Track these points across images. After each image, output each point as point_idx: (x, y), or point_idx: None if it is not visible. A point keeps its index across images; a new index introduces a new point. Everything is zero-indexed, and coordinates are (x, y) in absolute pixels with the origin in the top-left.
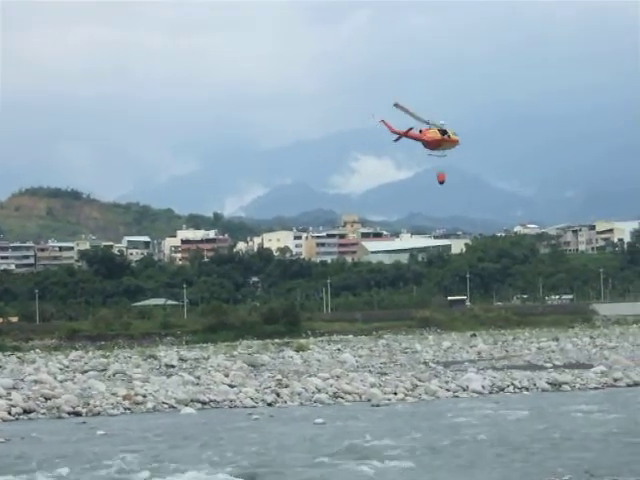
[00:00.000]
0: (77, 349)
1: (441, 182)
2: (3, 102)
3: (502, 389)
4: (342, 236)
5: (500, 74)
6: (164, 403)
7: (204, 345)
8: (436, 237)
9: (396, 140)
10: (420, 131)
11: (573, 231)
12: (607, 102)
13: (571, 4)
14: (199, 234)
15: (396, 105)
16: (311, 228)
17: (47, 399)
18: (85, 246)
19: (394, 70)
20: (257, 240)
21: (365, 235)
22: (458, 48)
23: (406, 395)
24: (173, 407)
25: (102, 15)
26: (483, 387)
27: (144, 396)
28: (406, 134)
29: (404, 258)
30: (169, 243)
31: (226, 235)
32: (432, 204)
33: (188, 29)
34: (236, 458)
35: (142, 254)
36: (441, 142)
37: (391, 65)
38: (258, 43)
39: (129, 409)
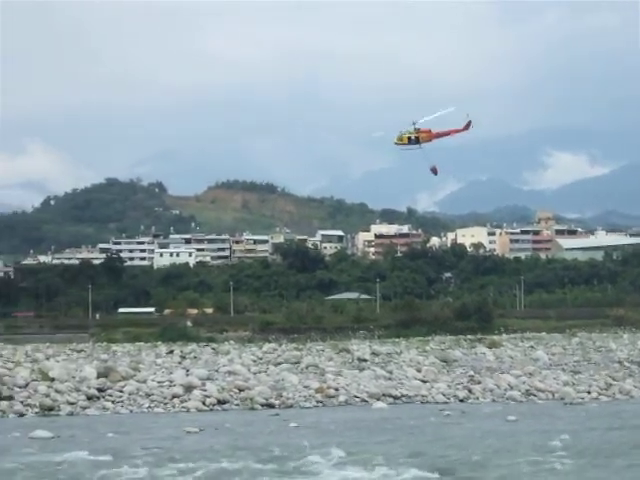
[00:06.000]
0: (270, 341)
1: (435, 173)
2: (201, 96)
3: None
4: (536, 233)
5: None
6: (356, 397)
7: (396, 340)
8: (632, 235)
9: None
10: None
11: None
12: None
13: None
14: (392, 229)
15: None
16: (505, 224)
17: (241, 390)
18: (279, 239)
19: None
20: (450, 235)
21: (559, 232)
22: None
23: (600, 394)
24: (365, 401)
25: (291, 15)
26: None
27: (336, 389)
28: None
29: (599, 256)
30: (362, 237)
31: (419, 230)
32: (628, 202)
33: (372, 29)
34: (428, 453)
35: (336, 248)
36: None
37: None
38: (445, 41)
39: (321, 402)
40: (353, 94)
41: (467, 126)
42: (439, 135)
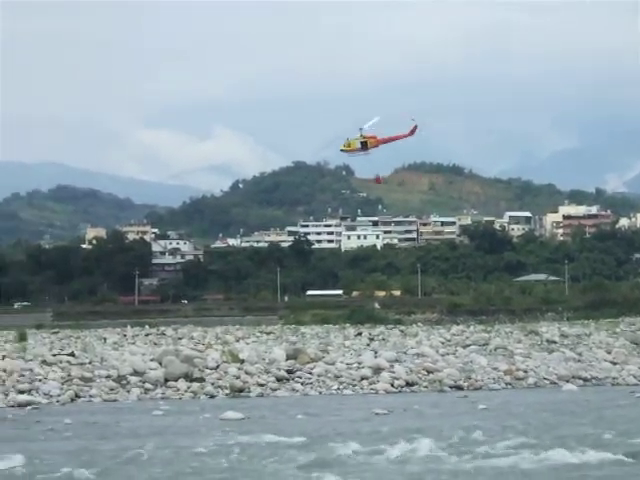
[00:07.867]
0: (458, 323)
1: (379, 182)
2: (384, 80)
3: None
4: None
5: None
6: (545, 379)
7: (585, 321)
8: None
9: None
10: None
11: None
12: None
13: None
14: (581, 210)
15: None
16: None
17: (429, 372)
18: (466, 221)
19: None
20: None
21: None
22: None
23: None
24: (554, 383)
25: None
26: None
27: (525, 371)
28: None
29: None
30: (550, 219)
31: (608, 211)
32: None
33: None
34: (619, 436)
35: (523, 229)
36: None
37: None
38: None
39: (510, 384)
40: (536, 72)
41: (413, 131)
42: (385, 141)
